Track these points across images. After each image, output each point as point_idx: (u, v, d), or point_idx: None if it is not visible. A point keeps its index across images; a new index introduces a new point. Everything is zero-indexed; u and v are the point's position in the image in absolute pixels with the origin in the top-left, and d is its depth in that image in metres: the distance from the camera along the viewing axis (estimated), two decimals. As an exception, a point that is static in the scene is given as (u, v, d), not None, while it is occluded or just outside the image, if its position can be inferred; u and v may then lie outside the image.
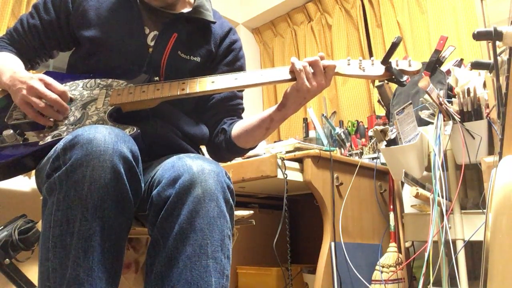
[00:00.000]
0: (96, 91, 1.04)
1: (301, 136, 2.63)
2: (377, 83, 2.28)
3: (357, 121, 2.56)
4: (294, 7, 3.38)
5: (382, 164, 2.01)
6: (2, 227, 0.95)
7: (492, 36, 0.90)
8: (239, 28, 3.58)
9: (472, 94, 1.65)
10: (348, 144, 2.26)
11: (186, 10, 1.17)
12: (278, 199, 2.20)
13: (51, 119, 0.98)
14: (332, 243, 1.72)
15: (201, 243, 0.80)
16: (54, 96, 0.96)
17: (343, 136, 2.27)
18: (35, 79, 0.97)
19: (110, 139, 0.78)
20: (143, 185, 0.86)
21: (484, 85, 1.70)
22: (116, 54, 1.09)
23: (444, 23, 2.59)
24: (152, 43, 1.10)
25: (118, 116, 1.00)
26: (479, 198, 1.67)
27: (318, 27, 3.27)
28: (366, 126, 2.49)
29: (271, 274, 2.01)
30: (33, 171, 1.00)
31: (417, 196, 1.60)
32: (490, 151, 1.61)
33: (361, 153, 2.19)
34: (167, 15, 1.13)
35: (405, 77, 1.00)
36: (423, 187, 1.66)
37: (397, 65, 0.99)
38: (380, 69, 0.99)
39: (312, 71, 0.98)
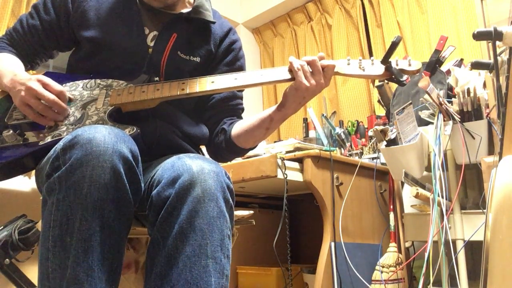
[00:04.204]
0: (96, 91, 1.04)
1: (301, 136, 2.63)
2: (377, 83, 2.28)
3: (357, 121, 2.56)
4: (294, 7, 3.39)
5: (382, 164, 2.01)
6: (2, 227, 0.95)
7: (492, 36, 0.90)
8: (239, 28, 3.58)
9: (472, 94, 1.65)
10: (348, 144, 2.26)
11: (186, 10, 1.17)
12: (278, 199, 2.20)
13: (51, 120, 0.98)
14: (332, 243, 1.72)
15: (201, 243, 0.80)
16: (52, 96, 0.96)
17: (343, 136, 2.27)
18: (33, 80, 0.97)
19: (110, 139, 0.78)
20: (143, 185, 0.86)
21: (484, 85, 1.70)
22: (116, 54, 1.09)
23: (444, 23, 2.59)
24: (152, 44, 1.10)
25: (118, 116, 1.00)
26: (479, 198, 1.67)
27: (318, 27, 3.28)
28: (366, 126, 2.49)
29: (271, 274, 2.01)
30: (33, 171, 1.00)
31: (417, 196, 1.60)
32: (490, 151, 1.61)
33: (361, 153, 2.19)
34: (167, 15, 1.13)
35: (405, 77, 1.00)
36: (423, 187, 1.66)
37: (397, 65, 0.99)
38: (380, 69, 0.99)
39: (310, 70, 0.98)
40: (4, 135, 0.97)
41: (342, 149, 2.25)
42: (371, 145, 2.22)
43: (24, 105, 0.97)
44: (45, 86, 0.97)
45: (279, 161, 1.64)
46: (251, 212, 1.22)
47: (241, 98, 1.25)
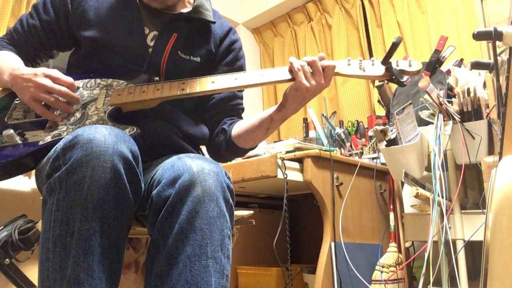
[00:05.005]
0: (96, 91, 1.04)
1: (301, 136, 2.63)
2: (377, 83, 2.28)
3: (357, 121, 2.56)
4: (294, 7, 3.39)
5: (382, 164, 2.01)
6: (2, 227, 0.95)
7: (492, 36, 0.90)
8: (239, 28, 3.58)
9: (472, 94, 1.65)
10: (348, 144, 2.26)
11: (186, 10, 1.17)
12: (278, 199, 2.20)
13: (59, 114, 0.98)
14: (332, 243, 1.72)
15: (201, 243, 0.80)
16: (63, 89, 0.98)
17: (343, 136, 2.27)
18: (41, 75, 0.97)
19: (110, 139, 0.78)
20: (143, 185, 0.86)
21: (484, 85, 1.70)
22: (116, 54, 1.09)
23: (444, 23, 2.59)
24: (152, 43, 1.10)
25: (118, 116, 1.00)
26: (479, 198, 1.67)
27: (318, 27, 3.27)
28: (366, 126, 2.49)
29: (271, 274, 2.01)
30: (33, 171, 1.00)
31: (417, 196, 1.60)
32: (490, 151, 1.61)
33: (361, 153, 2.19)
34: (167, 15, 1.13)
35: (405, 77, 1.00)
36: (423, 187, 1.66)
37: (397, 65, 0.99)
38: (380, 69, 0.99)
39: (311, 70, 0.98)
40: (4, 135, 0.97)
41: (342, 149, 2.25)
42: (371, 145, 2.22)
43: (33, 101, 0.98)
44: (55, 80, 0.98)
45: (279, 161, 1.64)
46: (251, 212, 1.22)
47: (241, 98, 1.25)
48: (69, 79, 1.00)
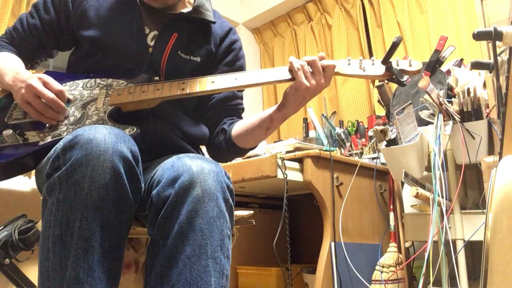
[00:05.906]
0: (96, 91, 1.04)
1: (301, 136, 2.63)
2: (377, 83, 2.28)
3: (357, 121, 2.56)
4: (294, 7, 3.39)
5: (382, 164, 2.01)
6: (2, 227, 0.95)
7: (492, 36, 0.90)
8: (239, 28, 3.58)
9: (472, 94, 1.65)
10: (348, 144, 2.26)
11: (186, 10, 1.17)
12: (278, 199, 2.20)
13: (52, 119, 0.98)
14: (332, 243, 1.72)
15: (201, 243, 0.80)
16: (51, 95, 0.96)
17: (343, 136, 2.27)
18: (34, 78, 0.97)
19: (110, 139, 0.78)
20: (143, 185, 0.86)
21: (484, 85, 1.70)
22: (116, 54, 1.09)
23: (444, 23, 2.59)
24: (152, 43, 1.10)
25: (118, 116, 1.00)
26: (479, 198, 1.67)
27: (318, 27, 3.28)
28: (366, 126, 2.49)
29: (271, 274, 2.01)
30: (33, 171, 1.00)
31: (417, 196, 1.60)
32: (490, 151, 1.61)
33: (361, 153, 2.19)
34: (167, 15, 1.13)
35: (405, 77, 1.00)
36: (423, 187, 1.66)
37: (397, 65, 0.99)
38: (380, 69, 0.99)
39: (311, 70, 0.98)
40: (4, 135, 0.97)
41: (342, 149, 2.25)
42: (371, 145, 2.22)
43: (25, 103, 0.97)
44: (45, 84, 0.97)
45: (279, 161, 1.64)
46: (251, 212, 1.22)
47: (241, 98, 1.25)
48: (59, 86, 0.98)
